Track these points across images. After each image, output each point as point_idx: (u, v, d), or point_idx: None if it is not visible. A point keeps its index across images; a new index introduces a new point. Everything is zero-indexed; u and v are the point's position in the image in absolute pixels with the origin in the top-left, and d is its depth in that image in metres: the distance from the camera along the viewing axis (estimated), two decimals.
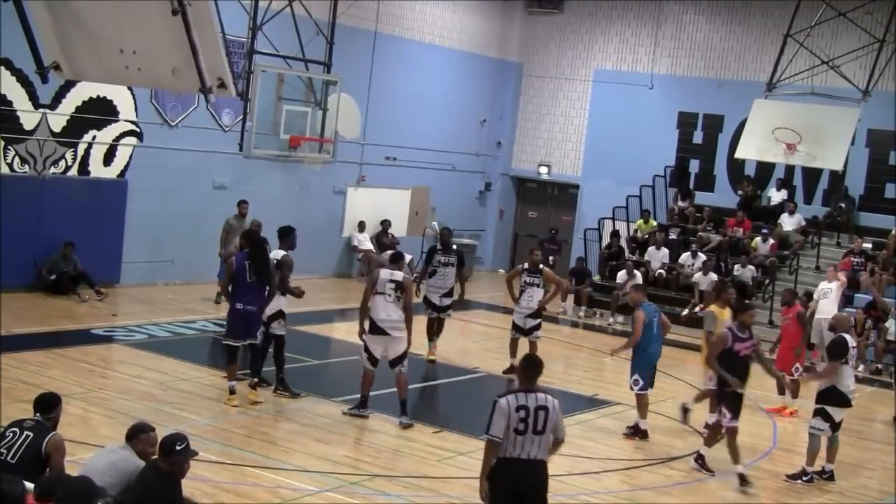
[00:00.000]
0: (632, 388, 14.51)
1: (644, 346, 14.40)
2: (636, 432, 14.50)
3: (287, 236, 14.98)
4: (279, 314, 14.58)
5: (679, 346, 22.07)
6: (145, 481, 7.46)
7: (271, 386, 14.67)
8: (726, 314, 14.36)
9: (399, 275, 13.81)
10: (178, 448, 7.51)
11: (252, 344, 14.19)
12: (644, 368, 14.43)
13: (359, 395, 13.98)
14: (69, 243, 19.80)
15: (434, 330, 17.98)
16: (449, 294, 17.80)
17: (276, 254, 14.72)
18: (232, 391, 13.96)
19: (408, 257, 17.54)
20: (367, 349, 13.73)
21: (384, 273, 13.84)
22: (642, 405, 14.54)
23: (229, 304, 14.22)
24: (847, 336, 13.25)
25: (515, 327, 17.28)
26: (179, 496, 7.53)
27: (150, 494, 7.40)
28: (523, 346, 17.22)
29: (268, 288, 14.02)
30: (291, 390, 14.66)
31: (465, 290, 18.39)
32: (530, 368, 8.66)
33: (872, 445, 15.32)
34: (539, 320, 17.21)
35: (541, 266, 17.23)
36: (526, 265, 17.35)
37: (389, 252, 18.73)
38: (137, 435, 7.94)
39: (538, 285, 17.10)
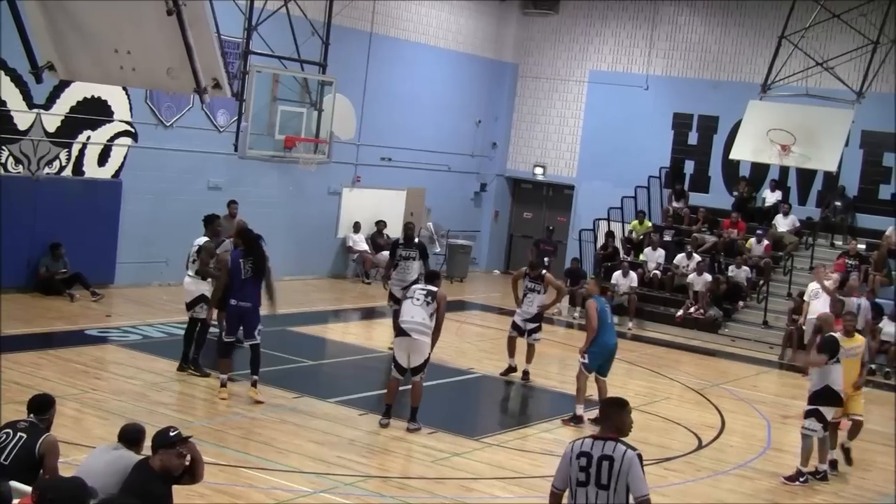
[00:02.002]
0: (580, 359, 14.84)
1: (599, 333, 14.70)
2: (573, 419, 14.85)
3: (210, 224, 15.57)
4: (201, 298, 15.04)
5: (674, 347, 22.17)
6: (135, 480, 7.43)
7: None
8: (848, 343, 13.62)
9: (433, 287, 13.92)
10: (171, 434, 7.51)
11: (253, 344, 14.25)
12: (596, 354, 14.75)
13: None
14: (56, 244, 19.77)
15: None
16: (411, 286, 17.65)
17: (200, 240, 15.29)
18: (223, 384, 14.22)
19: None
20: (394, 359, 13.71)
21: (418, 285, 14.24)
22: (579, 390, 14.82)
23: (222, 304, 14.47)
24: (837, 335, 13.25)
25: (515, 326, 17.36)
26: (170, 495, 7.51)
27: (141, 493, 7.38)
28: (521, 347, 17.30)
29: (265, 283, 14.33)
30: (202, 370, 15.10)
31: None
32: (606, 410, 7.52)
33: (867, 446, 15.31)
34: (538, 323, 17.30)
35: (543, 272, 17.30)
36: (527, 270, 17.40)
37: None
38: (141, 441, 8.00)
39: (539, 292, 17.21)
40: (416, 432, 13.48)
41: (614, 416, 7.32)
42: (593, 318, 14.66)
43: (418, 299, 13.68)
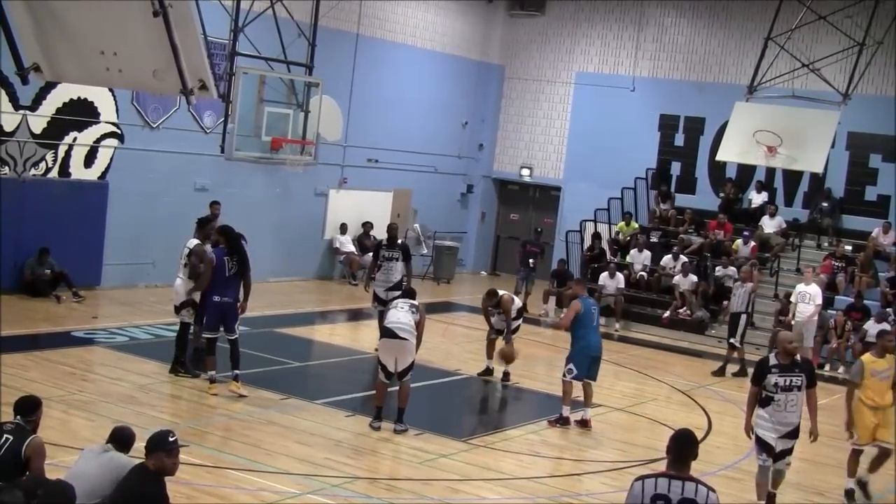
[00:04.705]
0: (564, 377, 14.70)
1: (582, 336, 14.66)
2: (559, 420, 14.77)
3: (203, 227, 15.60)
4: (190, 302, 15.11)
5: (661, 349, 22.20)
6: (133, 483, 7.42)
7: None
8: (880, 364, 12.84)
9: (415, 302, 14.11)
10: (170, 440, 7.52)
11: (232, 339, 14.52)
12: (580, 359, 14.66)
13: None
14: (44, 249, 19.68)
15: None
16: (395, 288, 17.55)
17: (190, 243, 15.29)
18: (212, 380, 14.45)
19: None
20: (380, 362, 13.70)
21: (401, 299, 14.29)
22: (566, 393, 14.75)
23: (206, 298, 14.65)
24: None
25: (494, 330, 17.40)
26: (166, 497, 7.50)
27: (138, 497, 7.36)
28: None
29: (243, 281, 14.61)
30: (192, 371, 15.17)
31: (410, 283, 17.81)
32: (682, 446, 6.75)
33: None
34: (517, 323, 17.28)
35: (501, 296, 17.20)
36: (485, 300, 17.42)
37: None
38: (131, 444, 8.01)
39: (501, 313, 17.20)
40: (403, 433, 13.47)
41: (691, 451, 6.76)
42: (570, 316, 14.64)
43: (403, 307, 13.82)
